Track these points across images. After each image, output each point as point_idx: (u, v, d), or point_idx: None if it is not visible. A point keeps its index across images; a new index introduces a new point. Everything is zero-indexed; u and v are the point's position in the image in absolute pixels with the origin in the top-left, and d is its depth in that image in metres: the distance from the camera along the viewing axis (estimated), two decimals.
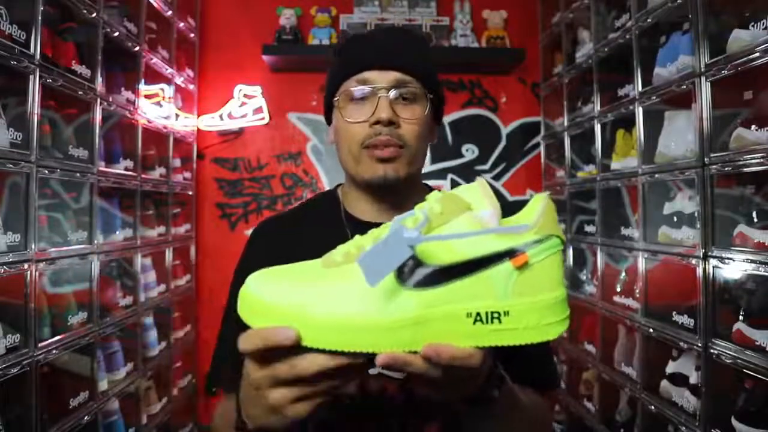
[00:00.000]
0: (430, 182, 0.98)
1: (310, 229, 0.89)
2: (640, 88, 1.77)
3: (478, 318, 0.48)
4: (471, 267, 0.48)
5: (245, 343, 0.50)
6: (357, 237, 0.56)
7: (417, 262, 0.48)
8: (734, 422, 1.31)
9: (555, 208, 0.52)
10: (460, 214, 0.50)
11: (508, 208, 0.62)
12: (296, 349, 0.48)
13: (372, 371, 0.77)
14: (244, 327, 0.51)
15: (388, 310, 0.48)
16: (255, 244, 0.91)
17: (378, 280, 0.46)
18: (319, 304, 0.49)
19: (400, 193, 0.85)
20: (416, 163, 0.83)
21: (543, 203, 0.51)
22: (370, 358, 0.49)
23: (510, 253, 0.48)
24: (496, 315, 0.48)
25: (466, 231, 0.49)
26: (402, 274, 0.48)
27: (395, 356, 0.47)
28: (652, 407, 1.66)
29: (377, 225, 0.85)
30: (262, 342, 0.49)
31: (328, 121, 0.90)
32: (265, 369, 0.51)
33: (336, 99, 0.83)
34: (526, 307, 0.49)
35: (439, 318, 0.48)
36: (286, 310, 0.49)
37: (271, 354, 0.50)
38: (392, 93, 0.79)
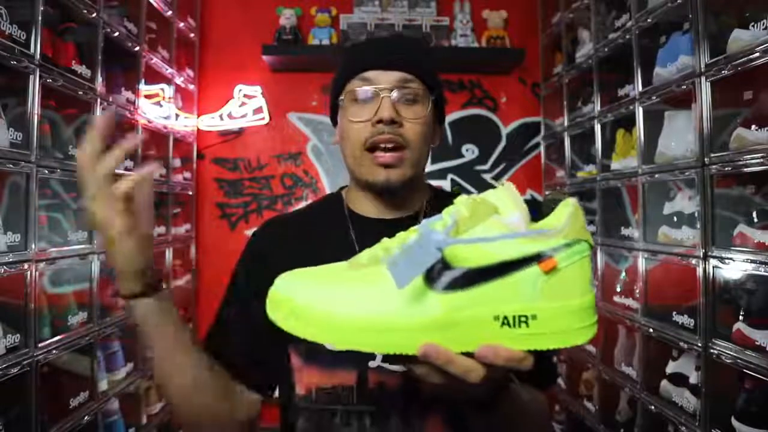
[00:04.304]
0: (431, 182, 0.97)
1: (314, 227, 0.90)
2: (640, 88, 1.77)
3: (506, 321, 0.48)
4: (499, 270, 0.48)
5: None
6: (384, 240, 0.56)
7: (445, 264, 0.48)
8: (734, 422, 1.31)
9: (583, 213, 0.52)
10: (488, 218, 0.50)
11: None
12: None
13: (372, 364, 0.77)
14: (271, 328, 0.52)
15: (413, 312, 0.48)
16: (258, 242, 0.91)
17: (406, 283, 0.46)
18: (344, 305, 0.49)
19: (403, 195, 0.86)
20: (419, 164, 0.84)
21: (571, 208, 0.51)
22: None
23: (538, 257, 0.48)
24: (523, 319, 0.48)
25: (494, 234, 0.48)
26: (430, 277, 0.48)
27: (439, 350, 0.47)
28: (652, 407, 1.66)
29: (379, 221, 0.86)
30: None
31: (334, 122, 0.91)
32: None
33: (341, 99, 0.85)
34: (555, 311, 0.49)
35: (466, 321, 0.48)
36: (314, 312, 0.49)
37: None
38: (395, 94, 0.80)
